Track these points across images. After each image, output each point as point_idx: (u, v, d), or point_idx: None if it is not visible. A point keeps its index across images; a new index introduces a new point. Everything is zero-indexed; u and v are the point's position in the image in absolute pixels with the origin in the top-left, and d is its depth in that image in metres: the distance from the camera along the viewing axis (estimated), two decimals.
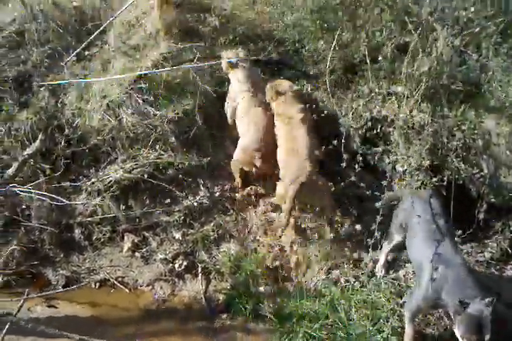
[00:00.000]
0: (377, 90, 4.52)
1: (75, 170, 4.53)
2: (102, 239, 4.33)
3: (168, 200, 4.46)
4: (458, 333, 2.86)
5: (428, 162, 4.11)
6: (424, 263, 3.23)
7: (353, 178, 4.24)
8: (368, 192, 4.27)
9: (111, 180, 4.37)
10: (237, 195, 4.54)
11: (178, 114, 4.54)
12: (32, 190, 3.96)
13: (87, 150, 4.53)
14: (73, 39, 5.12)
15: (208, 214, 4.43)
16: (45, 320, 3.82)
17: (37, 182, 4.20)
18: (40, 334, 3.59)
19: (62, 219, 4.32)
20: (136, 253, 4.28)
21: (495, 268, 4.00)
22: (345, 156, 4.12)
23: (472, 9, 4.39)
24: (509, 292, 3.67)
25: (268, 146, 4.30)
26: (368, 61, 4.48)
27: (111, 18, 5.06)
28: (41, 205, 4.25)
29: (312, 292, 3.84)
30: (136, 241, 4.30)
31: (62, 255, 4.29)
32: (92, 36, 5.02)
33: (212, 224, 4.36)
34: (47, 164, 4.43)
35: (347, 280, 3.87)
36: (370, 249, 4.05)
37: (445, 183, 3.89)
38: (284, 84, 4.55)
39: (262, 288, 3.95)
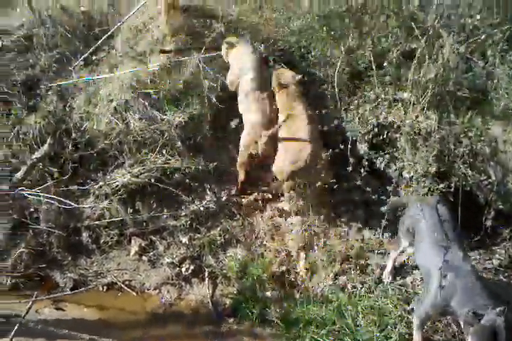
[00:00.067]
0: (383, 96, 4.53)
1: (82, 174, 4.54)
2: (110, 243, 4.34)
3: (174, 205, 4.48)
4: None
5: (435, 168, 4.11)
6: (432, 269, 3.24)
7: (358, 182, 4.33)
8: (373, 197, 4.34)
9: (118, 184, 4.39)
10: (243, 200, 4.57)
11: (184, 119, 4.55)
12: (40, 194, 3.97)
13: (94, 154, 4.55)
14: (81, 44, 5.15)
15: (214, 218, 4.45)
16: (53, 322, 3.84)
17: (45, 185, 4.22)
18: (48, 336, 3.62)
19: (70, 222, 4.34)
20: (143, 257, 4.30)
21: (503, 275, 3.99)
22: (351, 160, 4.17)
23: (478, 17, 4.42)
24: None
25: (273, 127, 4.30)
26: (374, 67, 4.50)
27: (118, 24, 5.12)
28: (49, 208, 4.26)
29: (319, 297, 3.85)
30: (143, 244, 4.32)
31: (70, 258, 4.31)
32: (100, 41, 5.07)
33: (218, 228, 4.38)
34: (55, 168, 4.45)
35: (354, 286, 3.87)
36: (376, 255, 4.10)
37: (452, 190, 3.93)
38: (286, 74, 4.54)
39: (268, 293, 3.96)
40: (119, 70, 4.83)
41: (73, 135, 4.55)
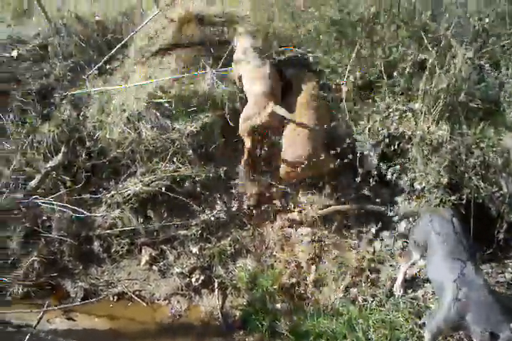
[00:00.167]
0: (394, 106, 4.51)
1: (94, 183, 4.57)
2: (121, 252, 4.36)
3: (185, 214, 4.49)
4: None
5: (446, 179, 4.08)
6: (444, 282, 3.21)
7: (367, 193, 4.32)
8: (384, 208, 4.32)
9: (130, 193, 4.41)
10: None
11: (196, 128, 4.57)
12: (54, 202, 4.01)
13: (107, 163, 4.58)
14: (95, 53, 5.21)
15: (224, 228, 4.45)
16: (63, 332, 3.87)
17: (58, 194, 4.26)
18: None
19: (82, 231, 4.36)
20: (154, 267, 4.31)
21: None
22: (360, 171, 4.16)
23: (486, 21, 4.39)
24: None
25: (275, 100, 4.39)
26: (385, 77, 4.50)
27: (132, 33, 5.17)
28: (62, 217, 4.30)
29: (329, 310, 3.83)
30: (153, 254, 4.33)
31: (81, 267, 4.33)
32: (113, 50, 5.13)
33: (229, 238, 4.38)
34: (68, 176, 4.49)
35: (365, 299, 3.85)
36: (388, 267, 4.08)
37: (464, 201, 3.90)
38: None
39: (278, 305, 3.95)
40: (131, 80, 4.90)
41: (86, 144, 4.60)
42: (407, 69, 4.46)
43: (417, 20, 4.52)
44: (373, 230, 4.36)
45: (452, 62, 4.26)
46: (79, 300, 4.15)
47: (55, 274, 4.25)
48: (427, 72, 4.26)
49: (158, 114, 4.59)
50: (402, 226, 4.33)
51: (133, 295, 4.20)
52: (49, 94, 4.91)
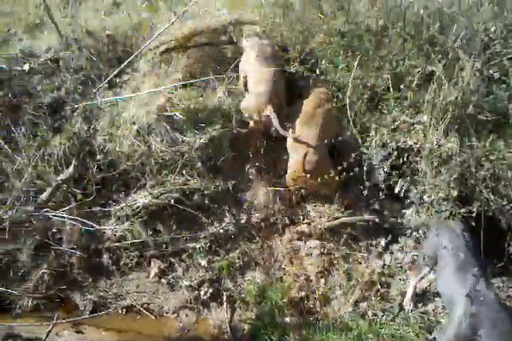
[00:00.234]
0: (402, 119, 4.52)
1: (104, 195, 4.59)
2: (130, 265, 4.36)
3: (194, 226, 4.49)
4: None
5: (456, 192, 4.07)
6: (454, 297, 3.19)
7: (375, 205, 4.31)
8: (393, 220, 4.31)
9: (139, 206, 4.42)
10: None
11: (205, 140, 4.60)
12: (65, 215, 4.03)
13: (116, 176, 4.61)
14: (106, 66, 5.25)
15: (233, 241, 4.45)
16: None
17: (69, 207, 4.28)
18: None
19: (92, 243, 4.38)
20: (163, 280, 4.31)
21: None
22: (368, 184, 4.17)
23: (494, 33, 4.41)
24: None
25: (278, 101, 4.51)
26: (392, 90, 4.51)
27: (142, 47, 5.23)
28: (72, 229, 4.31)
29: (339, 325, 3.81)
30: (162, 267, 4.33)
31: (90, 280, 4.34)
32: (124, 64, 5.17)
33: (237, 251, 4.38)
34: (78, 189, 4.51)
35: (375, 314, 3.84)
36: (398, 280, 4.05)
37: (474, 214, 3.88)
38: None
39: (287, 319, 3.93)
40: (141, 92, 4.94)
41: (97, 156, 4.62)
42: (415, 82, 4.47)
43: (425, 33, 4.53)
44: (383, 243, 4.35)
45: (460, 74, 4.27)
46: (88, 312, 4.16)
47: (65, 287, 4.26)
48: (434, 85, 4.27)
49: (167, 127, 4.61)
50: (411, 239, 4.31)
51: (141, 308, 4.20)
52: (60, 108, 4.93)
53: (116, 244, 4.36)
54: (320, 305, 4.02)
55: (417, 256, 4.07)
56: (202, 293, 4.19)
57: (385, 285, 4.08)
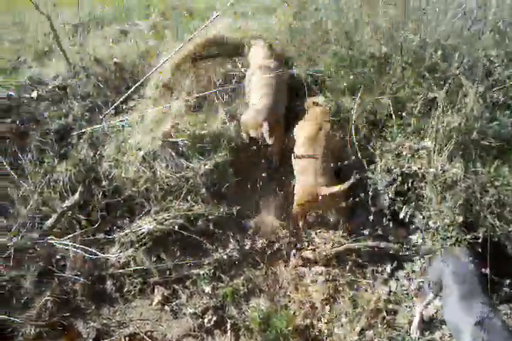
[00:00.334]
0: (406, 144, 4.54)
1: (109, 221, 4.59)
2: (133, 291, 4.32)
3: (198, 252, 4.48)
4: None
5: (461, 218, 4.05)
6: (460, 325, 3.14)
7: (380, 231, 4.30)
8: (398, 246, 4.28)
9: (143, 232, 4.42)
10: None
11: (210, 166, 4.62)
12: (69, 243, 4.03)
13: (121, 202, 4.62)
14: (113, 93, 5.34)
15: (237, 267, 4.43)
16: None
17: (73, 234, 4.28)
18: None
19: (95, 270, 4.35)
20: (166, 307, 4.26)
21: None
22: (373, 209, 4.17)
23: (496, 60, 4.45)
24: None
25: (276, 117, 4.57)
26: (394, 116, 4.55)
27: (148, 74, 5.33)
28: (76, 256, 4.30)
29: None
30: (166, 294, 4.30)
31: (93, 307, 4.29)
32: (130, 90, 5.26)
33: (242, 277, 4.36)
34: (83, 215, 4.52)
35: None
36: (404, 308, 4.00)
37: (480, 240, 3.85)
38: (320, 99, 4.86)
39: None
40: (146, 118, 5.01)
41: (102, 183, 4.64)
42: (418, 108, 4.51)
43: (427, 60, 4.59)
44: (388, 269, 4.32)
45: (464, 100, 4.30)
46: (91, 340, 4.11)
47: (68, 314, 4.22)
48: (438, 111, 4.30)
49: (173, 153, 4.65)
50: (417, 266, 4.28)
51: (145, 336, 4.14)
52: (67, 134, 5.00)
53: (120, 270, 4.34)
54: (325, 333, 3.97)
55: (422, 282, 4.03)
56: (206, 320, 4.15)
57: (392, 313, 4.03)
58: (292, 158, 4.51)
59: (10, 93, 5.16)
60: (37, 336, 4.10)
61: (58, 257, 4.38)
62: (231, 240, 4.55)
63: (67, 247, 4.12)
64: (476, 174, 4.18)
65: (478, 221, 4.08)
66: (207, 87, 5.17)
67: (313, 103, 4.77)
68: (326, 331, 3.97)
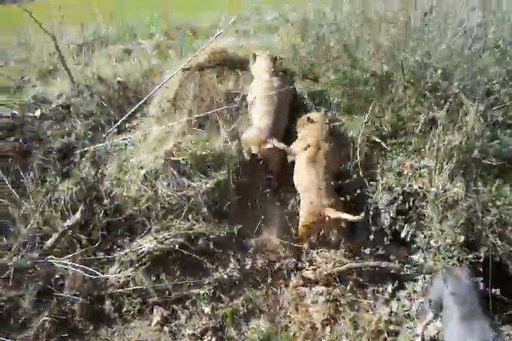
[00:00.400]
0: (407, 163, 4.53)
1: (109, 240, 4.58)
2: (132, 312, 4.28)
3: (198, 272, 4.45)
4: None
5: (463, 238, 4.03)
6: None
7: (382, 250, 4.27)
8: (399, 266, 4.25)
9: (144, 251, 4.41)
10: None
11: (211, 185, 4.62)
12: (68, 263, 4.02)
13: (122, 220, 4.62)
14: (116, 112, 5.38)
15: (237, 287, 4.40)
16: None
17: (73, 254, 4.27)
18: None
19: (94, 290, 4.32)
20: (165, 328, 4.21)
21: None
22: (374, 229, 4.15)
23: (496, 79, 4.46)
24: None
25: (277, 134, 4.65)
26: (396, 135, 4.56)
27: (150, 92, 5.38)
28: (75, 276, 4.28)
29: None
30: (165, 314, 4.26)
31: (91, 327, 4.23)
32: (133, 109, 5.30)
33: (242, 298, 4.33)
34: (83, 234, 4.51)
35: None
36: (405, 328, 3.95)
37: (482, 260, 3.81)
38: (316, 115, 4.88)
39: None
40: (150, 136, 5.04)
41: (104, 201, 4.65)
42: (419, 127, 4.52)
43: (428, 79, 4.61)
44: (389, 289, 4.29)
45: (464, 119, 4.31)
46: None
47: (66, 335, 4.17)
48: (438, 130, 4.30)
49: (174, 172, 4.66)
50: (419, 286, 4.23)
51: None
52: (70, 153, 5.02)
53: (119, 290, 4.31)
54: None
55: (423, 302, 3.98)
56: None
57: (393, 334, 3.98)
58: (294, 177, 4.52)
59: (14, 112, 5.22)
60: None
61: (57, 276, 4.35)
62: (231, 259, 4.52)
63: (66, 267, 4.09)
64: (478, 193, 4.18)
65: (479, 240, 4.08)
66: (209, 106, 5.21)
67: (308, 119, 4.79)
68: None
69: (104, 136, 5.15)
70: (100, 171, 4.85)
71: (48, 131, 5.16)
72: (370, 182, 4.51)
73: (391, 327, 4.02)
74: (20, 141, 4.99)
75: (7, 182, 4.56)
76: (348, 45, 5.02)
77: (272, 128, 4.68)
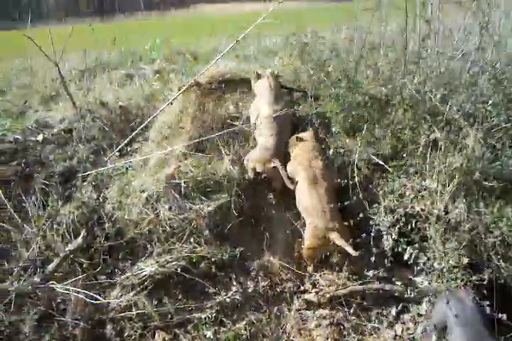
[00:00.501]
0: (408, 185, 4.55)
1: (111, 264, 4.56)
2: (134, 336, 4.21)
3: (200, 296, 4.41)
4: None
5: (466, 259, 4.01)
6: None
7: (384, 273, 4.25)
8: (402, 288, 4.22)
9: (145, 274, 4.38)
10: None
11: (212, 208, 4.63)
12: (70, 288, 3.99)
13: (124, 244, 4.61)
14: (118, 136, 5.43)
15: (240, 310, 4.36)
16: None
17: (74, 279, 4.23)
18: None
19: (96, 314, 4.28)
20: None
21: None
22: (375, 251, 4.13)
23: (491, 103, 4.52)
24: None
25: (280, 154, 4.79)
26: (397, 157, 4.59)
27: (152, 116, 5.42)
28: (77, 300, 4.23)
29: None
30: (167, 339, 4.20)
31: None
32: (134, 133, 5.33)
33: (244, 321, 4.28)
34: (85, 258, 4.49)
35: None
36: None
37: (486, 282, 3.79)
38: (304, 134, 4.97)
39: None
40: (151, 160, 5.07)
41: (105, 225, 4.65)
42: (420, 150, 4.55)
43: (427, 102, 4.67)
44: (393, 312, 4.25)
45: (464, 141, 4.35)
46: None
47: None
48: (439, 152, 4.34)
49: (176, 195, 4.67)
50: (423, 309, 4.19)
51: None
52: (72, 176, 5.04)
53: (121, 314, 4.26)
54: None
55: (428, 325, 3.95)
56: None
57: None
58: (296, 199, 4.53)
59: (16, 136, 5.25)
60: None
61: (59, 301, 4.31)
62: (234, 282, 4.49)
63: (68, 291, 4.06)
64: (480, 215, 4.18)
65: (483, 262, 4.05)
66: (210, 129, 5.25)
67: (297, 138, 4.87)
68: None
69: (105, 159, 5.17)
70: (102, 195, 4.87)
71: (50, 155, 5.19)
72: (372, 205, 4.51)
73: None
74: (23, 165, 5.00)
75: (9, 207, 4.55)
76: (346, 70, 5.11)
77: (276, 149, 4.77)
